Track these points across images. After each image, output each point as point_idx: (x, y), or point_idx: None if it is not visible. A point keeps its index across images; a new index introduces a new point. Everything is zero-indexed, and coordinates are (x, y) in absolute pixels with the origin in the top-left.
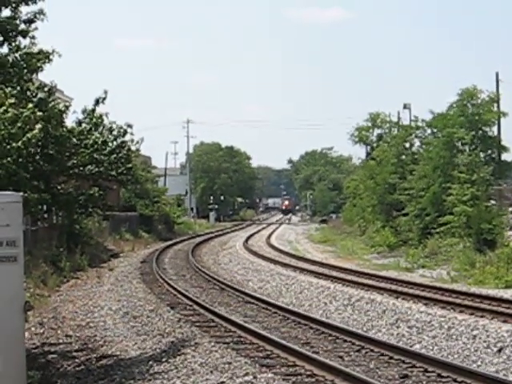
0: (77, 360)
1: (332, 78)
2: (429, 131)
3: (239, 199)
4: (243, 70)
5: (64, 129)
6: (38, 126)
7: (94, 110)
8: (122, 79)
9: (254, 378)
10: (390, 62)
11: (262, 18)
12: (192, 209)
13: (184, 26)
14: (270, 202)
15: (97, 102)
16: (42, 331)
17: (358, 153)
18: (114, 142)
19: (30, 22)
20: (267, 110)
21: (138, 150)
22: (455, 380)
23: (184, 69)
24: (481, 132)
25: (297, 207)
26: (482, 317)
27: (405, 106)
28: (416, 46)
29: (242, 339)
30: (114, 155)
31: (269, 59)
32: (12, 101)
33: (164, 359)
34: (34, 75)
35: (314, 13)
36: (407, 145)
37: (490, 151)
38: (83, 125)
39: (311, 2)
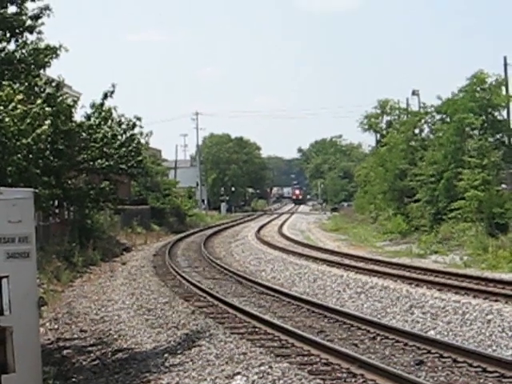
0: (92, 354)
1: (340, 67)
2: (438, 117)
3: (250, 190)
4: (252, 61)
5: (73, 124)
6: (47, 121)
7: (102, 104)
8: (131, 73)
9: (270, 367)
10: (398, 49)
11: (270, 8)
12: (203, 200)
13: (193, 19)
14: (284, 191)
15: (105, 96)
16: (56, 326)
17: (368, 140)
18: (124, 136)
19: (36, 17)
20: (276, 100)
21: (147, 143)
22: (471, 365)
23: (193, 62)
24: (490, 116)
25: (308, 196)
26: (496, 301)
27: (413, 93)
28: (424, 33)
29: (256, 329)
30: (124, 148)
31: (278, 49)
32: (20, 97)
33: (179, 351)
34: (42, 71)
35: (323, 2)
36: (417, 131)
37: (499, 135)
38: (92, 119)
39: None
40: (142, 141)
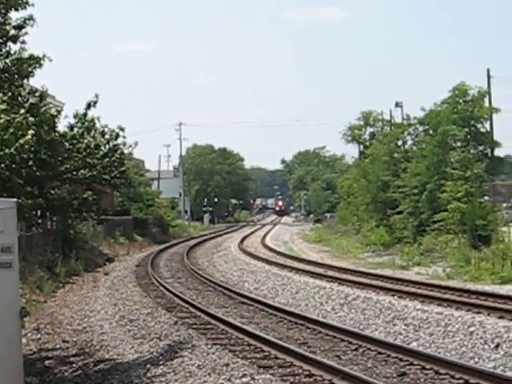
0: (74, 365)
1: (324, 78)
2: (421, 128)
3: (233, 201)
4: (242, 71)
5: (56, 134)
6: (31, 131)
7: (85, 114)
8: (115, 84)
9: (252, 379)
10: (381, 61)
11: (260, 20)
12: (186, 211)
13: (183, 28)
14: (268, 202)
15: (88, 106)
16: (38, 337)
17: (351, 152)
18: (107, 146)
19: (20, 27)
20: (266, 111)
21: (130, 153)
22: (453, 377)
23: (184, 71)
24: (473, 128)
25: (291, 207)
26: (478, 313)
27: (397, 104)
28: (408, 46)
29: (238, 341)
30: (107, 159)
31: (268, 59)
32: (4, 107)
33: (161, 362)
34: (25, 80)
35: (310, 13)
36: (400, 142)
37: (482, 147)
38: (75, 129)
39: (310, 1)
40: (126, 151)
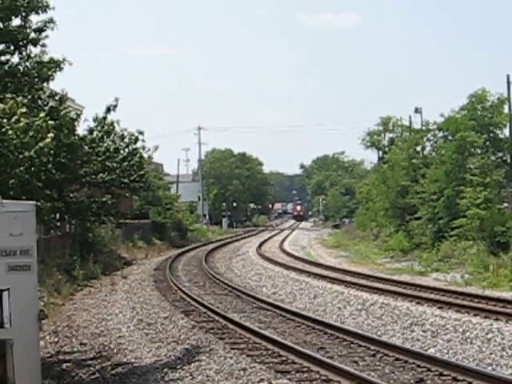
0: (92, 368)
1: (343, 83)
2: (440, 134)
3: (252, 205)
4: (255, 76)
5: (76, 137)
6: (50, 134)
7: (105, 118)
8: (134, 88)
9: None
10: (400, 66)
11: (274, 24)
12: (205, 215)
13: (196, 33)
14: (288, 207)
15: (108, 110)
16: (56, 340)
17: (370, 157)
18: (126, 150)
19: (40, 30)
20: (279, 115)
21: (150, 157)
22: (470, 383)
23: (196, 76)
24: (492, 135)
25: (309, 212)
26: (496, 320)
27: (416, 110)
28: (427, 50)
29: (256, 345)
30: (126, 162)
31: (281, 64)
32: (23, 110)
33: (179, 366)
34: (45, 84)
35: (326, 18)
36: (418, 148)
37: (501, 154)
38: (95, 133)
39: (324, 7)
40: (145, 155)
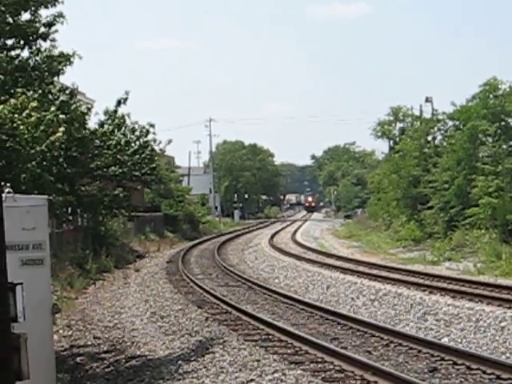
0: (105, 361)
1: (353, 73)
2: (451, 124)
3: (263, 197)
4: (265, 67)
5: (87, 131)
6: (61, 128)
7: (116, 111)
8: (143, 80)
9: (283, 375)
10: (410, 56)
11: (284, 15)
12: (216, 207)
13: (205, 25)
14: (301, 198)
15: (118, 103)
16: (70, 333)
17: (381, 147)
18: (137, 143)
19: (49, 25)
20: (289, 107)
21: (162, 150)
22: (484, 372)
23: (206, 68)
24: (503, 123)
25: (321, 203)
26: (509, 308)
27: (427, 100)
28: (437, 40)
29: (269, 336)
30: (138, 155)
31: (291, 56)
32: (34, 104)
33: (193, 358)
34: (56, 78)
35: (336, 8)
36: (430, 137)
37: None
38: (106, 126)
39: None
40: (156, 148)
